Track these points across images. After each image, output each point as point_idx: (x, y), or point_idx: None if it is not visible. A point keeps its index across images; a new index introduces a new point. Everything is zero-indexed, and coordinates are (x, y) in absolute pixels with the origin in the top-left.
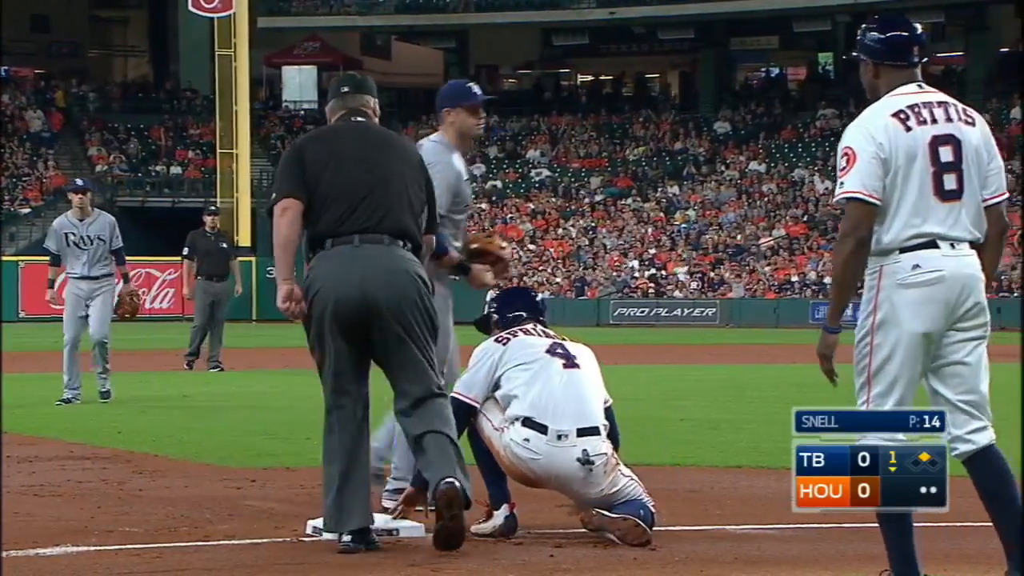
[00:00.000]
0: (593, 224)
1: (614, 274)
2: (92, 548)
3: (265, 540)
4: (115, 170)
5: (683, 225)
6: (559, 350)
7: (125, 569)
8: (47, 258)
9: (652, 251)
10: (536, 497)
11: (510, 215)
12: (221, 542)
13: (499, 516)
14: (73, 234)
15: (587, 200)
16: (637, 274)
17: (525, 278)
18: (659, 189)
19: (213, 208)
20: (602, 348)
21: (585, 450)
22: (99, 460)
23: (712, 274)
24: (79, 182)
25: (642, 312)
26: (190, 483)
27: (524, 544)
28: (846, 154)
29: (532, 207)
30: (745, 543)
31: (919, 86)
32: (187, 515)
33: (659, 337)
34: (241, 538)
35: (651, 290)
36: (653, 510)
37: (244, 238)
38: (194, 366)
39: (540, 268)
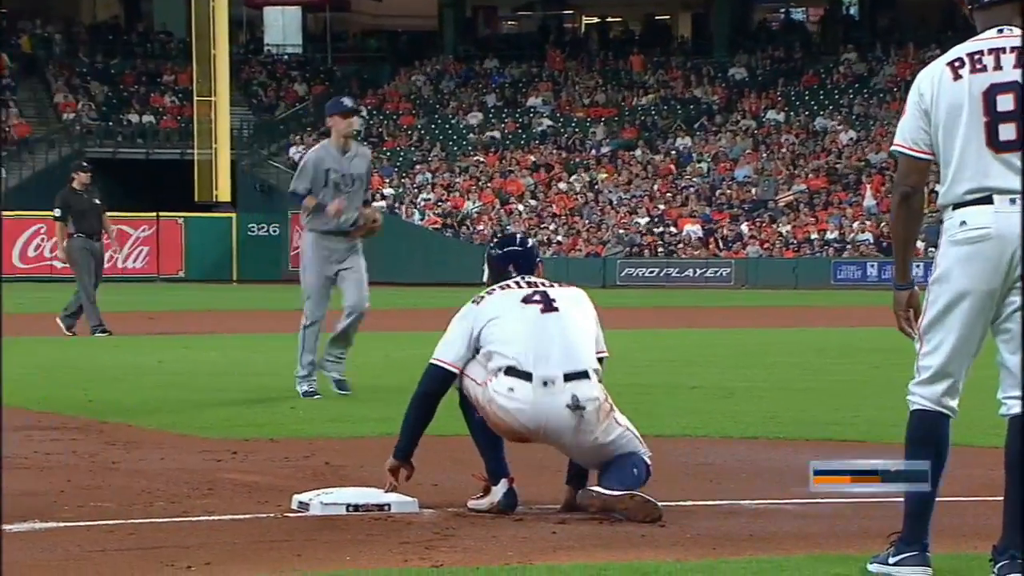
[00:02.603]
0: (599, 178)
1: (621, 232)
2: (62, 524)
3: (247, 516)
4: (84, 118)
5: (695, 179)
6: (536, 297)
7: (97, 546)
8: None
9: (662, 207)
10: (538, 470)
11: (509, 168)
12: (200, 518)
13: (497, 491)
14: (335, 170)
15: (592, 152)
16: (646, 231)
17: (527, 237)
18: (669, 140)
19: (84, 164)
20: (608, 311)
21: (574, 395)
22: (68, 431)
23: (726, 231)
24: (346, 101)
25: (651, 272)
26: (166, 455)
27: (524, 521)
28: (904, 105)
29: (533, 160)
30: (761, 519)
31: (1000, 31)
32: (163, 489)
33: (669, 299)
34: (221, 514)
35: (661, 249)
36: (648, 461)
37: (223, 193)
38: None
39: (541, 225)
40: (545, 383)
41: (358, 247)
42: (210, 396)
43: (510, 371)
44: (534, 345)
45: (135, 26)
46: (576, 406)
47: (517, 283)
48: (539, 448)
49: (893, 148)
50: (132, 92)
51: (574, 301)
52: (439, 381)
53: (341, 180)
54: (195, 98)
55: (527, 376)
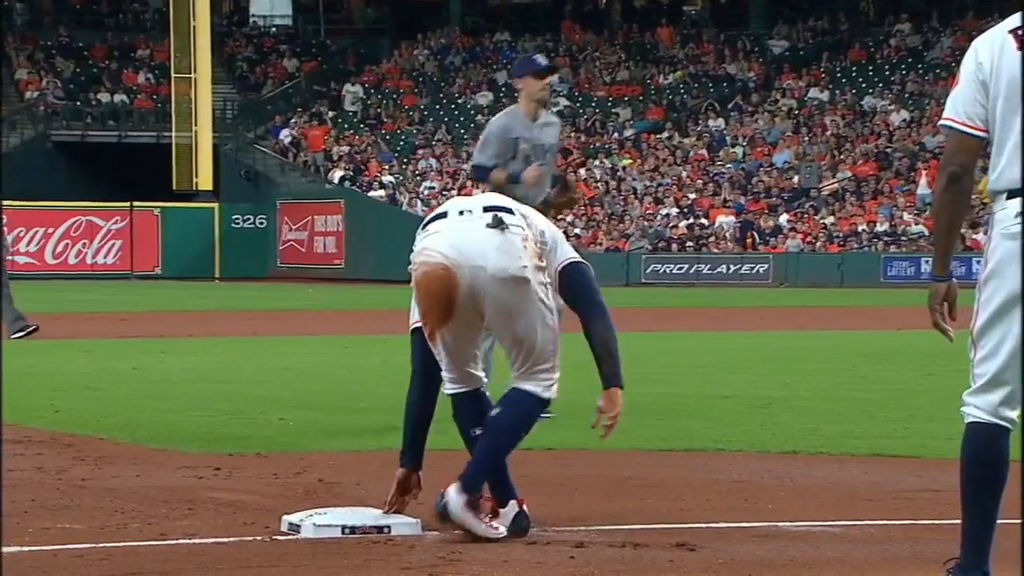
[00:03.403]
0: (622, 164)
1: (646, 224)
2: (25, 548)
3: (232, 539)
4: (48, 97)
5: (729, 165)
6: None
7: (66, 573)
8: None
9: (692, 196)
10: (552, 489)
11: None
12: (180, 541)
13: (507, 514)
14: (525, 139)
15: (615, 135)
16: (674, 223)
17: None
18: (700, 122)
19: None
20: (632, 312)
21: (496, 215)
22: (33, 444)
23: (763, 223)
24: (540, 59)
25: (680, 269)
26: (142, 472)
27: (538, 544)
28: (956, 74)
29: None
30: (801, 543)
31: None
32: (139, 509)
33: (700, 299)
34: (203, 536)
35: (690, 243)
36: (541, 394)
37: (204, 181)
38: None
39: (557, 217)
40: (462, 212)
41: None
42: (190, 406)
43: (431, 221)
44: (456, 202)
45: None
46: (498, 223)
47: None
48: (552, 465)
49: (942, 122)
50: (103, 68)
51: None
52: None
53: (532, 152)
54: (173, 75)
55: (444, 215)
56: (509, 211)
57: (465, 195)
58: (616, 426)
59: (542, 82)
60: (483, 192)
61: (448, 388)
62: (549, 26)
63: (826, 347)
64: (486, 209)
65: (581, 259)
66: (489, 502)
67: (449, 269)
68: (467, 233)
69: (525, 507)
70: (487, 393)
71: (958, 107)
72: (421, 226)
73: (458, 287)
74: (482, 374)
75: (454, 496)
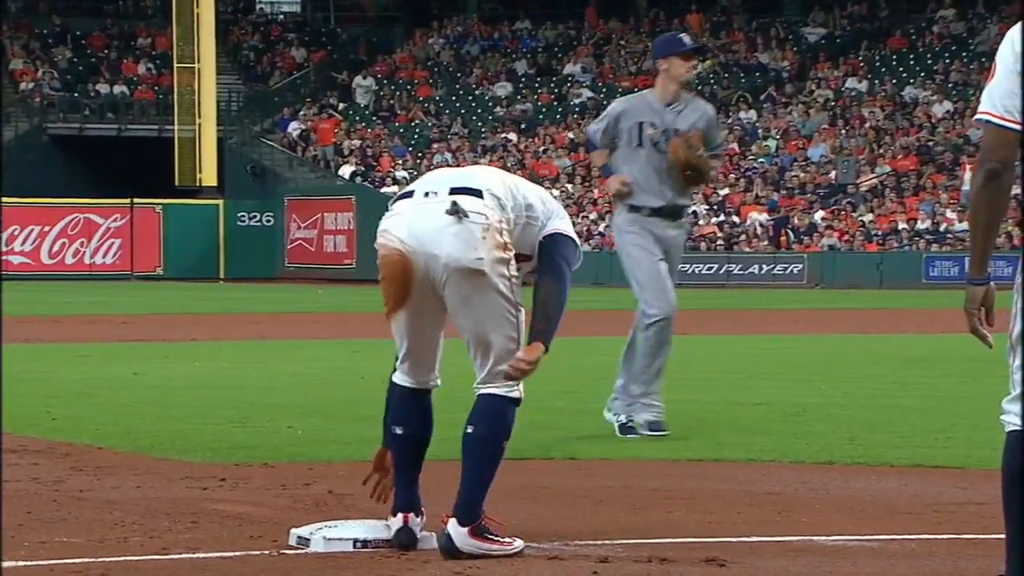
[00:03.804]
0: None
1: None
2: (20, 563)
3: (237, 553)
4: (44, 88)
5: (761, 159)
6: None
7: None
8: None
9: (722, 192)
10: (575, 501)
11: (543, 147)
12: (183, 556)
13: (393, 525)
14: (651, 123)
15: None
16: (703, 221)
17: None
18: (731, 114)
19: None
20: None
21: (455, 202)
22: (29, 454)
23: (798, 221)
24: (686, 39)
25: (709, 269)
26: (143, 483)
27: (561, 559)
28: (992, 65)
29: (571, 137)
30: (837, 558)
31: None
32: (140, 522)
33: (731, 300)
34: (207, 550)
35: (720, 242)
36: (510, 396)
37: (208, 176)
38: None
39: (581, 214)
40: (427, 194)
41: (682, 232)
42: (194, 414)
43: (399, 199)
44: (426, 180)
45: None
46: (456, 210)
47: None
48: (575, 476)
49: (978, 116)
50: (101, 58)
51: (536, 187)
52: None
53: (662, 137)
54: (175, 65)
55: (411, 195)
56: (477, 193)
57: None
58: (520, 376)
59: (688, 63)
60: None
61: (397, 376)
62: (572, 13)
63: (864, 352)
64: (452, 191)
65: (569, 235)
66: (491, 521)
67: (404, 255)
68: (425, 218)
69: (413, 523)
70: (431, 398)
71: (995, 100)
72: (390, 203)
73: (412, 273)
74: (436, 377)
75: (457, 531)
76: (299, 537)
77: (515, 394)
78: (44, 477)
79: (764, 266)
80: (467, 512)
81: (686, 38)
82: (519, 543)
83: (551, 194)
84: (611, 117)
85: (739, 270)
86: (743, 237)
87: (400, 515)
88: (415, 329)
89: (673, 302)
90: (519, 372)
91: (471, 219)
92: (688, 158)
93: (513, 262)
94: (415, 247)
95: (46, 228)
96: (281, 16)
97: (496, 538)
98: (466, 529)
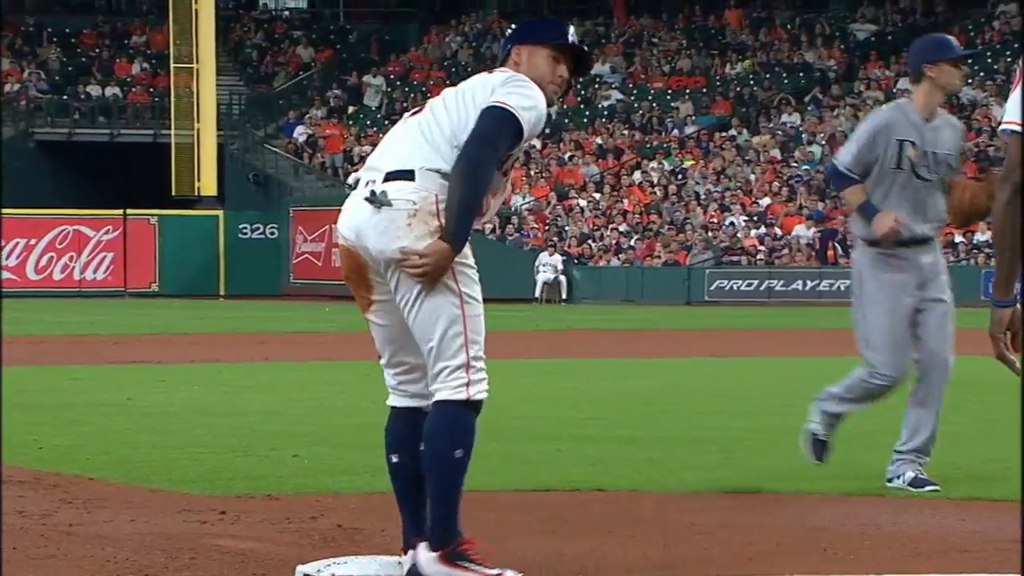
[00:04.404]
0: (683, 165)
1: (710, 234)
2: None
3: None
4: (31, 91)
5: (806, 166)
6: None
7: None
8: None
9: (763, 202)
10: (603, 535)
11: (569, 153)
12: None
13: (405, 563)
14: (914, 144)
15: (674, 133)
16: (742, 233)
17: (591, 241)
18: (773, 118)
19: None
20: (694, 335)
21: (374, 189)
22: (14, 485)
23: (845, 232)
24: (955, 43)
25: (749, 286)
26: (137, 516)
27: None
28: (1016, 72)
29: (599, 143)
30: None
31: None
32: (134, 559)
33: (773, 319)
34: None
35: (761, 256)
36: (459, 398)
37: (208, 185)
38: None
39: (609, 226)
40: (363, 182)
41: (937, 253)
42: (192, 442)
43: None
44: (369, 161)
45: None
46: (372, 198)
47: None
48: (602, 509)
49: (1003, 127)
50: (92, 57)
51: (455, 92)
52: None
53: (924, 161)
54: (172, 65)
55: (357, 183)
56: (407, 176)
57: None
58: (415, 273)
59: (960, 72)
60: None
61: (390, 398)
62: (599, 8)
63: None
64: (388, 176)
65: (497, 104)
66: (472, 544)
67: (348, 250)
68: (356, 209)
69: (420, 553)
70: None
71: (1021, 110)
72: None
73: (362, 269)
74: (430, 390)
75: (426, 556)
76: (305, 575)
77: (462, 395)
78: (31, 510)
79: (809, 282)
80: (436, 536)
81: (955, 41)
82: (510, 574)
83: (580, 205)
84: (870, 134)
85: (781, 286)
86: (786, 251)
87: (411, 552)
88: (388, 330)
89: (906, 367)
90: (412, 268)
91: (394, 207)
92: (978, 207)
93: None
94: (354, 241)
95: (32, 241)
96: (286, 12)
97: (472, 566)
98: (436, 554)
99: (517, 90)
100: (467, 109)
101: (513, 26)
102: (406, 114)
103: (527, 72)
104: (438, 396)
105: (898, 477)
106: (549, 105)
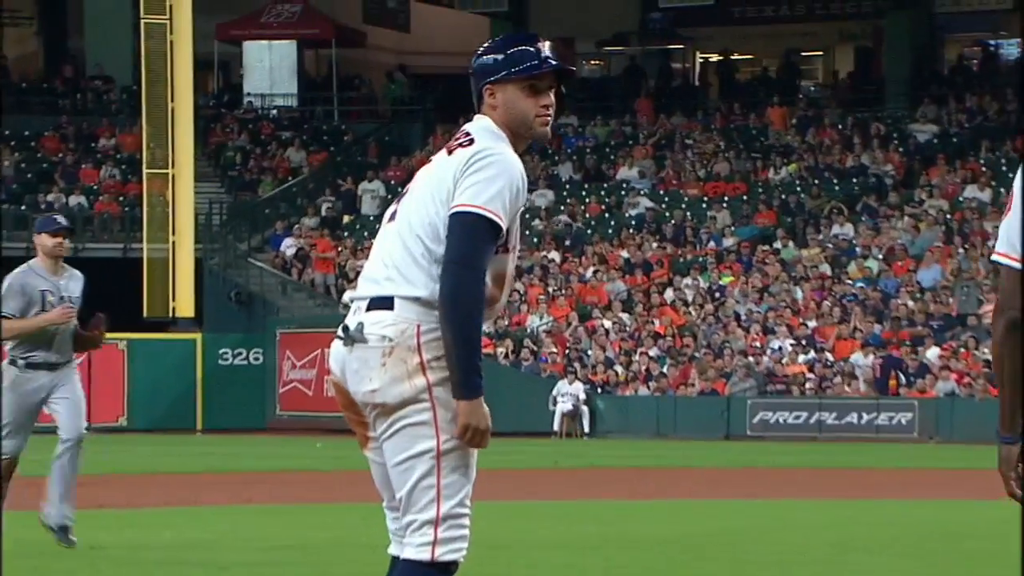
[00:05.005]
0: (720, 282)
1: (752, 360)
2: None
3: None
4: None
5: (860, 283)
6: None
7: None
8: None
9: (812, 323)
10: None
11: (592, 268)
12: None
13: None
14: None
15: (711, 245)
16: (788, 359)
17: (617, 367)
18: (822, 229)
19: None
20: (734, 473)
21: (346, 324)
22: None
23: (908, 359)
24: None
25: (796, 418)
26: None
27: None
28: (1008, 197)
29: (626, 256)
30: None
31: None
32: None
33: (824, 456)
34: None
35: (810, 385)
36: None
37: (184, 305)
38: None
39: (638, 350)
40: (353, 309)
41: None
42: None
43: None
44: (367, 265)
45: (59, 69)
46: (345, 335)
47: None
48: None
49: (994, 258)
50: (55, 162)
51: (424, 183)
52: None
53: None
54: (145, 171)
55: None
56: (387, 305)
57: None
58: (475, 445)
59: None
60: None
61: (391, 546)
62: (626, 106)
63: (993, 521)
64: (369, 304)
65: (465, 210)
66: None
67: (336, 384)
68: (333, 349)
69: None
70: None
71: (1013, 239)
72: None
73: (352, 403)
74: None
75: None
76: None
77: (424, 555)
78: None
79: (865, 415)
80: None
81: None
82: None
83: (605, 326)
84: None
85: (834, 419)
86: (838, 379)
87: None
88: (387, 469)
89: None
90: (471, 443)
91: (369, 343)
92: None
93: (430, 385)
94: (339, 376)
95: None
96: (274, 111)
97: None
98: None
99: (477, 176)
100: (435, 208)
101: (478, 56)
102: (390, 207)
103: (504, 115)
104: (403, 553)
105: None
106: (543, 139)
